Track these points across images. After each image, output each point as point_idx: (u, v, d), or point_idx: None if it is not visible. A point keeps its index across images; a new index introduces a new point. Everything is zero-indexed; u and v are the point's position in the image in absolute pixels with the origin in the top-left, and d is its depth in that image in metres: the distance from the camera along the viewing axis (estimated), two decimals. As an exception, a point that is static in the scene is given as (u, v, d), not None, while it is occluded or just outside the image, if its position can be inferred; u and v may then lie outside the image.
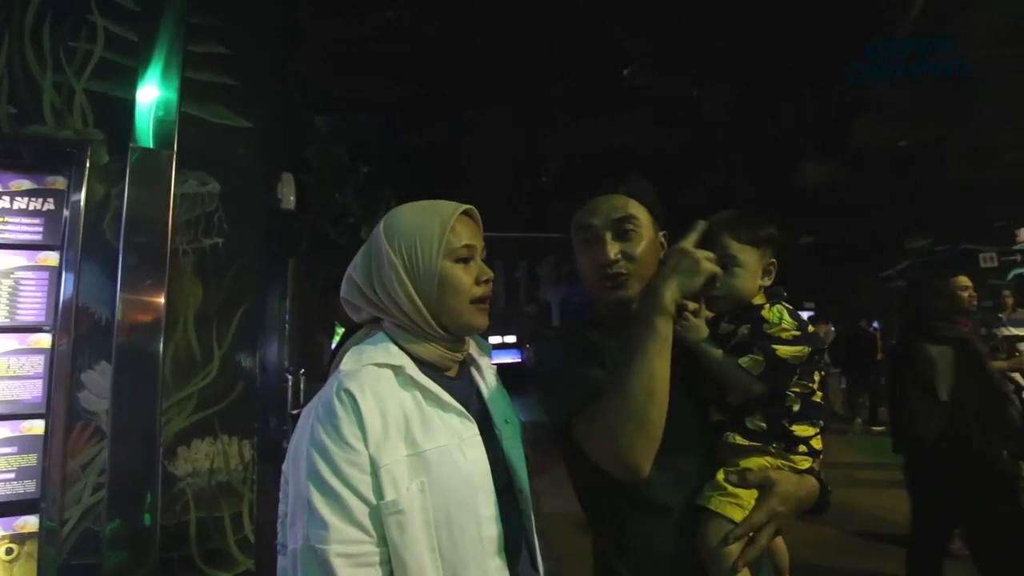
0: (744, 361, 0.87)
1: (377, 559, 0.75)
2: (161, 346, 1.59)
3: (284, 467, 0.84)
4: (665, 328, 0.84)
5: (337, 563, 0.72)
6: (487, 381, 0.97)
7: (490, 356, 1.04)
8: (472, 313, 0.88)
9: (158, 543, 1.58)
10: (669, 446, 0.87)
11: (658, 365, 0.82)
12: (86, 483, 1.54)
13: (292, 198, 2.39)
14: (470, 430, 0.86)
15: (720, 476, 0.87)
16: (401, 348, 0.88)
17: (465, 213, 0.91)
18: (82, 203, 1.54)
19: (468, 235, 0.89)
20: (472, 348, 1.00)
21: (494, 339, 15.51)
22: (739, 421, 0.89)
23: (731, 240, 0.94)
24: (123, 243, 1.54)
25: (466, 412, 0.87)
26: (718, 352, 0.90)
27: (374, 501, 0.76)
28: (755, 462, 0.87)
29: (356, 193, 5.39)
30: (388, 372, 0.84)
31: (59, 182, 1.56)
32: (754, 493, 0.86)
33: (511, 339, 15.37)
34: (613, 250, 0.94)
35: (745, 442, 0.88)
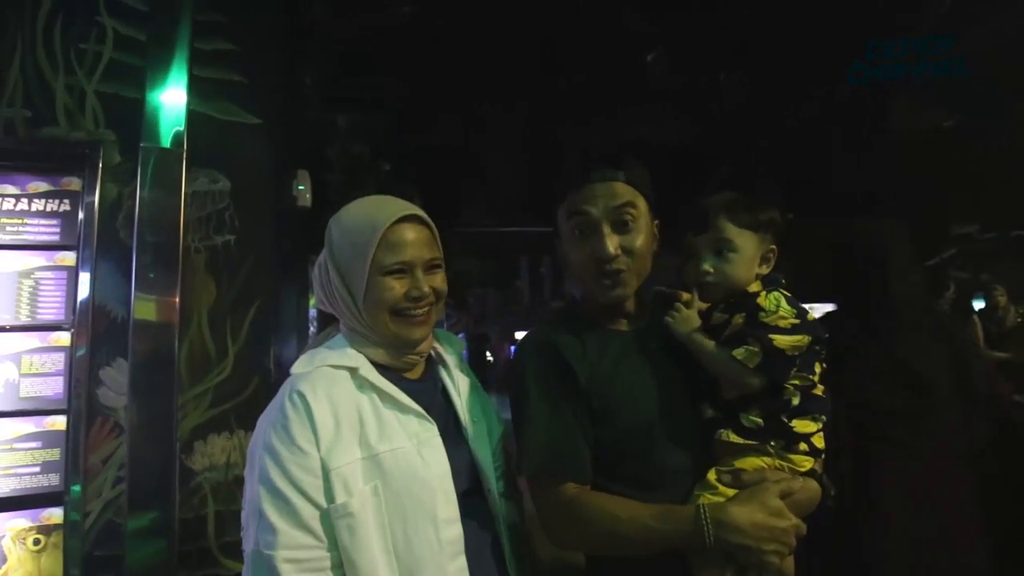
0: (739, 353, 0.81)
1: (328, 563, 0.74)
2: (176, 343, 1.61)
3: (246, 472, 0.82)
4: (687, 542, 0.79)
5: (285, 569, 0.71)
6: (455, 380, 0.94)
7: (461, 353, 1.01)
8: (398, 325, 0.85)
9: (177, 536, 1.61)
10: (665, 445, 0.83)
11: (656, 548, 0.80)
12: (107, 477, 1.58)
13: (308, 195, 2.40)
14: (429, 432, 0.84)
15: (712, 476, 0.82)
16: (358, 350, 0.86)
17: (410, 219, 0.87)
18: (96, 203, 1.57)
19: (405, 246, 0.85)
20: (440, 346, 0.97)
21: (521, 334, 15.43)
22: (734, 417, 0.83)
23: (728, 223, 0.88)
24: (136, 242, 1.57)
25: (425, 414, 0.85)
26: (710, 344, 0.85)
27: (324, 505, 0.74)
28: (751, 462, 0.81)
29: (378, 191, 5.44)
30: (344, 374, 0.82)
31: (74, 183, 1.59)
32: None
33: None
34: (612, 244, 0.87)
35: (740, 440, 0.82)
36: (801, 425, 0.82)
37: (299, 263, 2.85)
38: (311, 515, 0.73)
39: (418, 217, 0.89)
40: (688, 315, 0.89)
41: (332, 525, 0.74)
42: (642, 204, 0.91)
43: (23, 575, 1.52)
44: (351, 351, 0.85)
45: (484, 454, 0.89)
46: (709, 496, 0.80)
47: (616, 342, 0.91)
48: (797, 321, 0.82)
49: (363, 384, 0.83)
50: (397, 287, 0.84)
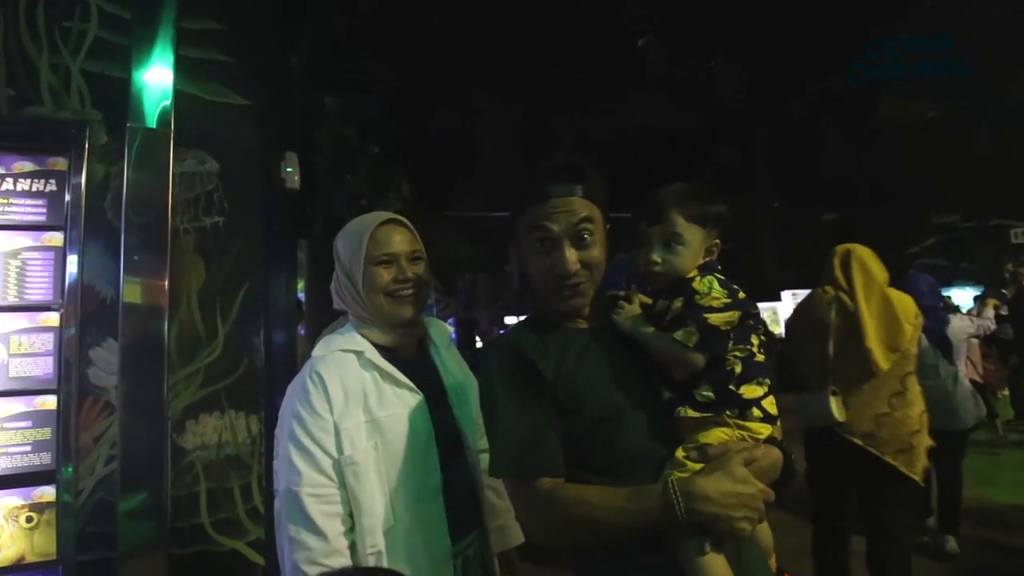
0: (679, 334, 0.86)
1: (338, 499, 0.98)
2: (165, 323, 1.62)
3: (276, 432, 1.06)
4: (660, 519, 0.80)
5: (308, 501, 0.95)
6: (443, 359, 1.17)
7: (448, 337, 1.23)
8: (391, 305, 1.06)
9: (169, 513, 1.63)
10: (632, 432, 0.87)
11: (632, 530, 0.82)
12: (99, 455, 1.60)
13: (296, 177, 2.39)
14: (418, 401, 1.06)
15: (680, 453, 0.85)
16: (363, 335, 1.08)
17: (392, 222, 1.10)
18: (83, 184, 1.56)
19: (390, 242, 1.08)
20: (431, 331, 1.19)
21: (510, 319, 15.54)
22: (688, 395, 0.88)
23: (679, 217, 0.93)
24: (124, 223, 1.57)
25: (416, 388, 1.07)
26: (651, 330, 0.91)
27: (336, 455, 0.99)
28: (714, 435, 0.85)
29: (367, 174, 5.41)
30: (352, 356, 1.05)
31: (60, 163, 1.58)
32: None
33: (527, 320, 15.30)
34: (572, 259, 0.90)
35: (696, 414, 0.86)
36: (748, 391, 0.87)
37: (288, 245, 2.85)
38: (326, 463, 0.98)
39: (399, 220, 1.12)
40: (630, 309, 0.95)
41: (342, 471, 0.98)
42: (598, 215, 0.94)
43: (16, 552, 1.54)
44: (358, 337, 1.08)
45: (465, 419, 1.13)
46: (678, 473, 0.83)
47: (577, 339, 0.94)
48: (728, 300, 0.88)
49: (367, 364, 1.05)
50: (385, 274, 1.06)
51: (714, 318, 0.86)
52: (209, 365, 1.72)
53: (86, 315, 1.58)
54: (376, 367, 1.05)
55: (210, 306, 1.72)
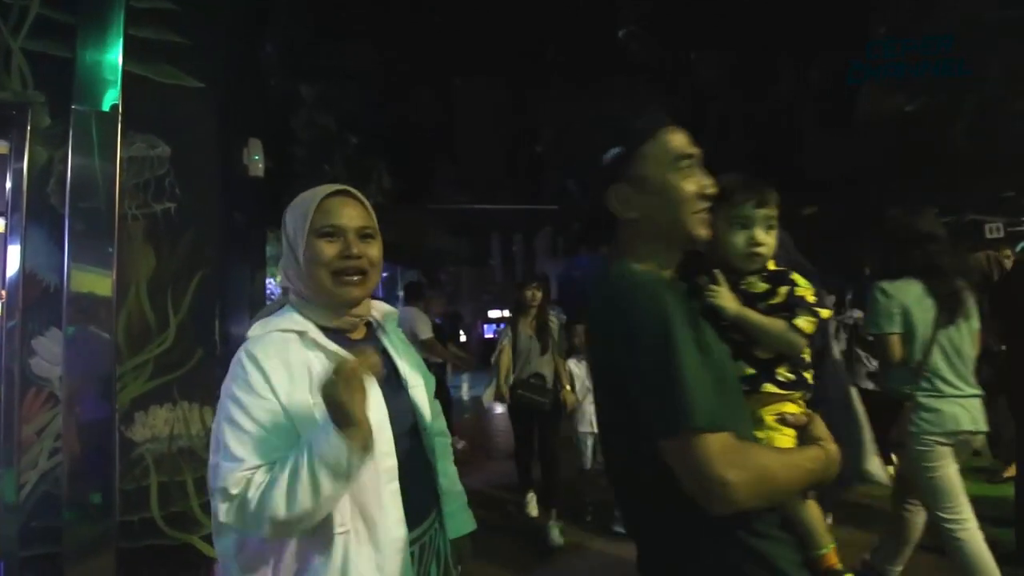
0: (800, 322, 0.91)
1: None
2: (113, 312, 1.58)
3: (213, 426, 0.94)
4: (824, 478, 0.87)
5: (231, 480, 0.84)
6: (393, 340, 1.11)
7: (395, 319, 1.16)
8: (335, 286, 0.97)
9: (118, 506, 1.60)
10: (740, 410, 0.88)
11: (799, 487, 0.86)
12: (42, 448, 1.55)
13: (260, 165, 2.34)
14: (370, 382, 0.96)
15: (768, 417, 0.91)
16: (304, 316, 0.98)
17: (343, 194, 1.01)
18: (25, 168, 1.51)
19: (338, 213, 0.98)
20: (378, 313, 1.12)
21: (494, 313, 15.46)
22: (772, 373, 0.92)
23: (777, 201, 0.96)
24: (68, 208, 1.52)
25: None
26: (763, 316, 0.93)
27: (278, 439, 0.88)
28: (788, 407, 0.92)
29: (345, 164, 5.34)
30: (294, 336, 0.96)
31: (0, 147, 1.53)
32: (794, 435, 0.91)
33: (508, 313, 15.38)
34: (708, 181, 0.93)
35: (780, 391, 0.92)
36: (808, 375, 0.96)
37: (258, 235, 2.80)
38: (269, 444, 0.87)
39: (351, 193, 1.02)
40: (727, 292, 0.95)
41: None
42: None
43: (-44, 548, 1.50)
44: (298, 317, 0.98)
45: (420, 399, 1.07)
46: (775, 435, 0.90)
47: (678, 295, 0.89)
48: (816, 298, 0.95)
49: (311, 345, 0.96)
50: (328, 248, 0.97)
51: (824, 312, 0.94)
52: (160, 355, 1.68)
53: (28, 304, 1.53)
54: (321, 347, 0.96)
55: (160, 295, 1.68)
